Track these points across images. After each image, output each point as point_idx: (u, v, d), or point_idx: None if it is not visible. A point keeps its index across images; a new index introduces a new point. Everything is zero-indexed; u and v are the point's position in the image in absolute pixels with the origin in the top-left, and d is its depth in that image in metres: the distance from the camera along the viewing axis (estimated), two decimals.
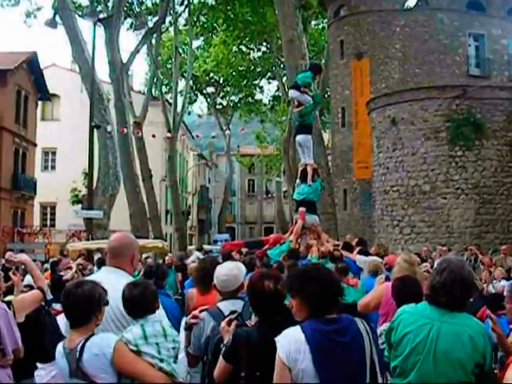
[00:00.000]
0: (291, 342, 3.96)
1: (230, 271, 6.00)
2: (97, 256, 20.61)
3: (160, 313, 5.08)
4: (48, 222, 55.00)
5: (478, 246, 23.11)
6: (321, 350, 3.93)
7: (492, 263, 17.25)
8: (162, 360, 4.66)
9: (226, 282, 5.85)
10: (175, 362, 4.84)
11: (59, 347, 4.74)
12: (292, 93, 17.44)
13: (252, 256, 12.80)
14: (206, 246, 39.03)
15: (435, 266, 5.10)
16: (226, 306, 5.64)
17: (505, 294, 5.13)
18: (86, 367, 4.48)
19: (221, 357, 4.66)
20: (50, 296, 6.29)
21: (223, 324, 4.94)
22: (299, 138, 17.18)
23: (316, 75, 17.71)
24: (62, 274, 15.95)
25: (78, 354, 4.49)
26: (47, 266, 19.40)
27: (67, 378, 4.62)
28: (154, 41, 49.35)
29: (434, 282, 4.52)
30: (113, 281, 5.08)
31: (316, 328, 4.01)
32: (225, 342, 4.76)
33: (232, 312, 5.38)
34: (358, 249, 14.37)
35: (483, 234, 31.10)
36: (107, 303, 4.75)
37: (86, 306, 4.61)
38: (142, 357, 4.59)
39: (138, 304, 4.80)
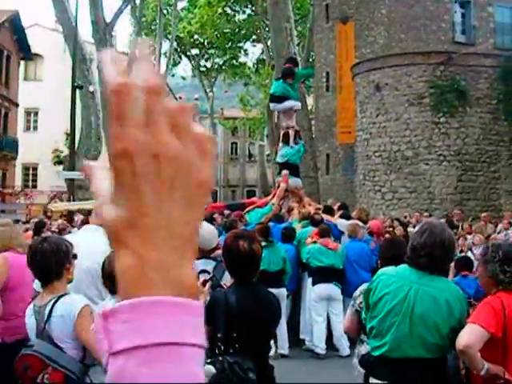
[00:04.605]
0: None
1: (209, 229, 6.04)
2: (77, 217, 20.52)
3: None
4: (30, 183, 54.80)
5: (461, 212, 23.22)
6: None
7: (471, 230, 17.40)
8: None
9: (207, 240, 5.86)
10: None
11: (30, 305, 4.53)
12: (272, 106, 17.26)
13: (233, 218, 12.82)
14: None
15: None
16: (197, 265, 5.62)
17: (477, 257, 5.19)
18: (52, 329, 4.32)
19: None
20: None
21: (198, 285, 4.90)
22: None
23: (287, 79, 17.11)
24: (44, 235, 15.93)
25: (47, 314, 4.32)
26: (28, 226, 19.35)
27: (33, 339, 4.41)
28: (137, 1, 48.89)
29: (414, 244, 4.54)
30: (89, 239, 5.00)
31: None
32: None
33: (202, 271, 5.41)
34: (339, 213, 14.42)
35: (464, 201, 31.23)
36: (75, 256, 4.56)
37: (53, 260, 4.39)
38: None
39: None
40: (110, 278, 4.59)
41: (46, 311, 4.31)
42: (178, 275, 0.83)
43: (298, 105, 17.04)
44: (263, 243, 11.21)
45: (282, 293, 11.05)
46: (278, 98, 16.59)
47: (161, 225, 0.83)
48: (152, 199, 0.82)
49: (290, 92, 16.67)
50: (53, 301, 4.35)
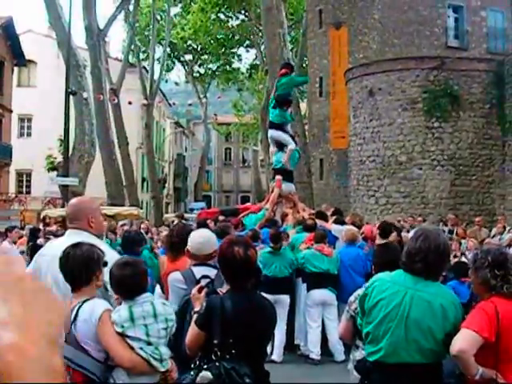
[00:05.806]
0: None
1: (205, 234, 6.03)
2: None
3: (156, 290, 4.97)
4: (24, 189, 54.69)
5: (455, 216, 23.26)
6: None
7: (465, 234, 17.43)
8: (149, 343, 4.58)
9: (203, 245, 5.83)
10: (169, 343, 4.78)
11: None
12: (270, 132, 17.52)
13: (226, 224, 12.77)
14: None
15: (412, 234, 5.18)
16: (199, 271, 5.65)
17: (469, 264, 5.22)
18: (77, 332, 4.44)
19: (193, 324, 4.64)
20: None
21: (194, 291, 4.91)
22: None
23: (284, 106, 17.42)
24: (40, 241, 16.00)
25: (72, 318, 4.45)
26: (23, 232, 19.43)
27: (61, 341, 4.47)
28: (131, 7, 48.87)
29: (409, 249, 4.57)
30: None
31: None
32: (196, 309, 4.73)
33: (203, 276, 5.40)
34: (333, 218, 14.42)
35: (458, 206, 31.25)
36: (106, 264, 4.66)
37: (85, 267, 4.54)
38: (127, 340, 4.53)
39: (127, 285, 4.68)
40: (118, 285, 4.73)
41: (72, 315, 4.46)
42: (50, 364, 1.10)
43: (293, 145, 17.34)
44: (268, 249, 11.28)
45: (281, 299, 11.12)
46: (276, 125, 16.95)
47: (34, 326, 1.12)
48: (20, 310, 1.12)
49: (288, 119, 17.41)
50: (78, 305, 4.51)
